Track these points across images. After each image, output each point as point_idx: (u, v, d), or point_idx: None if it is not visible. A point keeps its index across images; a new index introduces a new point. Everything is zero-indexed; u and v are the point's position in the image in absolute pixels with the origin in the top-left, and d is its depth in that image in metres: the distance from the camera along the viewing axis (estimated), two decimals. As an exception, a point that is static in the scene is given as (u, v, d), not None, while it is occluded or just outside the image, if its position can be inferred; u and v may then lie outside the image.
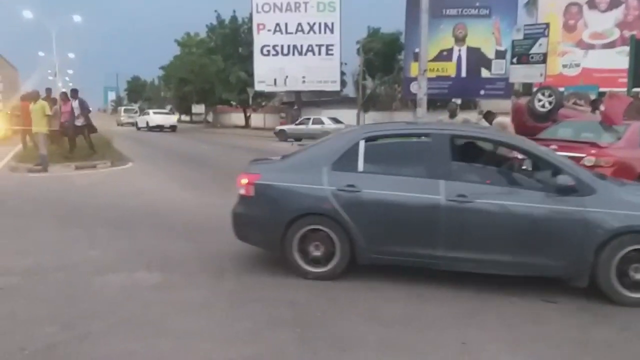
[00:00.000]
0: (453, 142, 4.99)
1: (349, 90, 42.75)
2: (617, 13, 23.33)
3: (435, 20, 23.39)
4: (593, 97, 14.04)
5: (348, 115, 31.94)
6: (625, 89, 15.06)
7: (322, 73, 32.47)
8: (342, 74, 37.42)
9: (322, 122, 28.10)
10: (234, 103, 46.87)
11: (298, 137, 26.73)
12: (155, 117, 38.42)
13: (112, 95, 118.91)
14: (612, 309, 4.38)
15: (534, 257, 4.59)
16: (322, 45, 32.41)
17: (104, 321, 3.92)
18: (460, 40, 24.36)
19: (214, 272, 5.12)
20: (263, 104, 47.00)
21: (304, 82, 32.72)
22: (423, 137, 5.30)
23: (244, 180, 5.18)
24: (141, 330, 3.80)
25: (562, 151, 8.12)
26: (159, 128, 36.65)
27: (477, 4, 24.05)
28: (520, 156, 5.69)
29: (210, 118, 58.50)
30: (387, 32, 38.01)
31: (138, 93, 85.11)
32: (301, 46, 32.25)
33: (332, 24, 31.98)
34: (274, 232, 5.02)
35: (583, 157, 7.84)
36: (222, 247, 5.88)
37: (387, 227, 4.81)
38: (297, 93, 36.03)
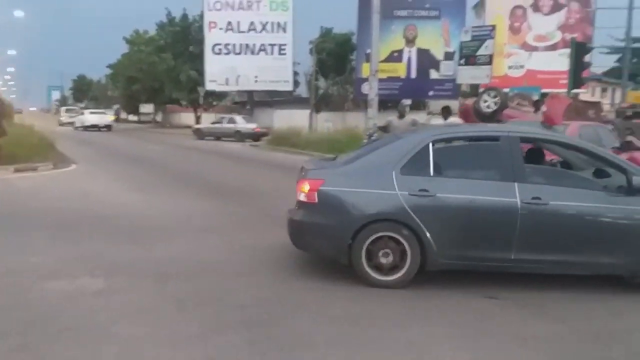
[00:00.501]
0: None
1: (302, 90, 42.80)
2: (560, 16, 24.34)
3: (386, 21, 23.70)
4: (536, 97, 14.55)
5: (301, 115, 31.92)
6: (565, 90, 15.69)
7: (274, 73, 32.40)
8: (295, 73, 37.43)
9: (235, 122, 29.31)
10: (184, 102, 45.97)
11: (216, 136, 28.56)
12: (90, 117, 39.06)
13: (56, 95, 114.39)
14: (550, 304, 4.55)
15: (602, 256, 4.77)
16: (275, 44, 32.33)
17: (42, 330, 3.75)
18: (410, 41, 24.83)
19: (160, 276, 4.98)
20: (214, 103, 46.31)
21: (256, 81, 32.54)
22: (492, 140, 5.25)
23: (306, 187, 4.96)
24: (84, 337, 3.66)
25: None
26: (95, 127, 37.12)
27: (427, 5, 24.59)
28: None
29: (159, 118, 57.22)
30: (339, 33, 38.23)
31: (84, 92, 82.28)
32: (253, 45, 32.05)
33: (285, 23, 31.95)
34: (341, 240, 4.81)
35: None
36: (169, 251, 5.75)
37: (462, 232, 4.74)
38: (249, 93, 35.78)
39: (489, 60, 17.17)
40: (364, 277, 4.78)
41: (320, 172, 5.16)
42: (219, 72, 32.20)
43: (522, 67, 24.46)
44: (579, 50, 15.02)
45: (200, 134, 30.26)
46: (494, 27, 18.45)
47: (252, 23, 31.74)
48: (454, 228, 4.73)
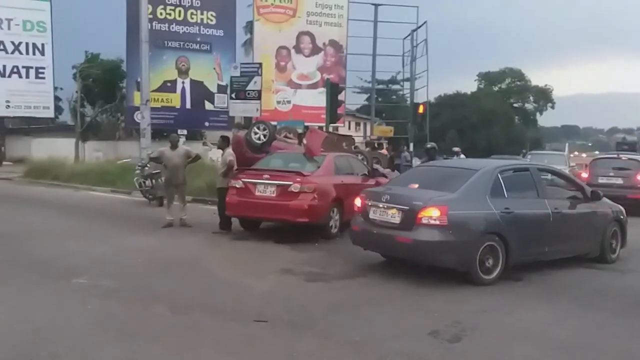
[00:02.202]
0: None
1: (67, 118, 39.21)
2: (318, 58, 27.04)
3: (158, 50, 23.42)
4: (300, 130, 15.87)
5: (65, 144, 29.11)
6: (324, 125, 17.44)
7: (31, 98, 29.02)
8: (58, 99, 34.16)
9: None
10: None
11: None
12: None
13: None
14: (319, 321, 5.04)
15: (584, 242, 7.61)
16: (31, 67, 29.05)
17: None
18: (183, 72, 24.87)
19: None
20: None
21: (8, 107, 28.73)
22: (525, 170, 7.56)
23: (436, 212, 6.19)
24: None
25: (273, 180, 9.06)
26: None
27: (199, 39, 24.99)
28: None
29: None
30: (107, 59, 36.20)
31: None
32: (4, 67, 28.33)
33: (43, 45, 28.98)
34: (470, 252, 6.26)
35: (291, 184, 8.87)
36: None
37: (527, 236, 6.82)
38: (0, 119, 31.41)
39: (258, 96, 18.16)
40: (476, 279, 6.35)
41: (441, 200, 6.37)
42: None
43: (289, 102, 26.39)
44: (333, 89, 16.85)
45: None
46: (260, 64, 19.59)
47: (1, 42, 28.07)
48: (523, 233, 6.75)
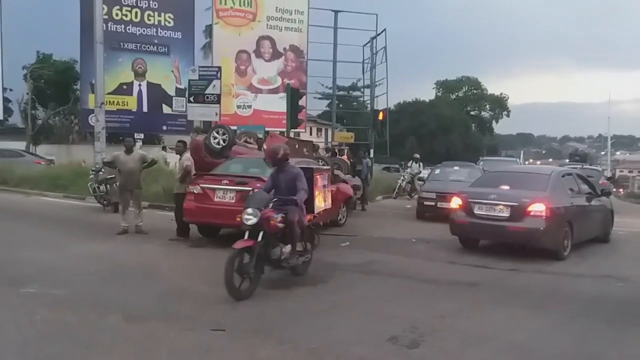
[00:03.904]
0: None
1: (17, 120, 37.76)
2: (279, 63, 26.94)
3: (113, 52, 22.84)
4: (260, 135, 15.78)
5: (15, 147, 27.92)
6: (285, 130, 17.41)
7: (-22, 99, 27.76)
8: (7, 100, 32.85)
9: None
10: None
11: None
12: None
13: None
14: (279, 329, 4.98)
15: (600, 227, 10.24)
16: (-22, 67, 27.79)
17: None
18: (140, 75, 24.29)
19: None
20: None
21: (-48, 108, 27.41)
22: (570, 174, 10.05)
23: (541, 206, 8.30)
24: None
25: (232, 185, 8.95)
26: None
27: (156, 42, 24.49)
28: None
29: None
30: (60, 60, 35.09)
31: None
32: (-53, 67, 27.03)
33: (-9, 45, 27.80)
34: (561, 235, 8.58)
35: (251, 190, 8.75)
36: None
37: (582, 222, 9.23)
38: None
39: (217, 100, 17.90)
40: (561, 256, 8.54)
41: (542, 196, 8.49)
42: None
43: (249, 107, 26.18)
44: (294, 94, 16.85)
45: None
46: (219, 68, 19.31)
47: (-55, 40, 26.78)
48: (581, 221, 9.14)
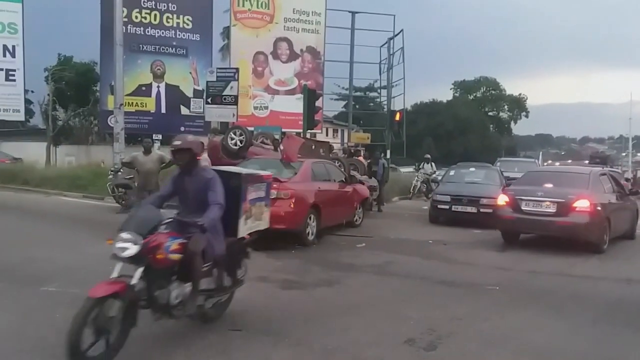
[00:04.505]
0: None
1: (38, 121, 38.39)
2: (296, 65, 26.96)
3: (132, 54, 23.08)
4: (277, 136, 15.80)
5: (35, 148, 28.45)
6: (301, 131, 17.41)
7: (2, 101, 28.26)
8: (29, 102, 33.40)
9: None
10: None
11: None
12: None
13: None
14: (294, 329, 4.96)
15: (628, 225, 10.75)
16: (1, 69, 28.28)
17: None
18: (158, 76, 24.50)
19: None
20: None
21: (-24, 109, 27.93)
22: (605, 174, 10.73)
23: (586, 202, 9.04)
24: None
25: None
26: None
27: (174, 43, 24.68)
28: None
29: None
30: (80, 62, 35.61)
31: None
32: (-28, 69, 27.54)
33: (14, 47, 28.24)
34: (603, 229, 9.29)
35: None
36: None
37: (616, 218, 9.88)
38: (-35, 122, 30.52)
39: (235, 101, 18.00)
40: (601, 249, 9.19)
41: (586, 194, 9.26)
42: None
43: (266, 108, 26.25)
44: (310, 95, 16.86)
45: None
46: (237, 69, 19.41)
47: (-31, 44, 27.33)
48: (615, 216, 9.78)
